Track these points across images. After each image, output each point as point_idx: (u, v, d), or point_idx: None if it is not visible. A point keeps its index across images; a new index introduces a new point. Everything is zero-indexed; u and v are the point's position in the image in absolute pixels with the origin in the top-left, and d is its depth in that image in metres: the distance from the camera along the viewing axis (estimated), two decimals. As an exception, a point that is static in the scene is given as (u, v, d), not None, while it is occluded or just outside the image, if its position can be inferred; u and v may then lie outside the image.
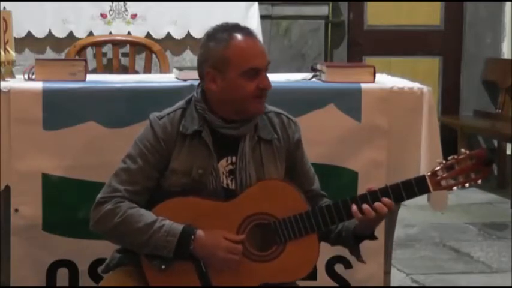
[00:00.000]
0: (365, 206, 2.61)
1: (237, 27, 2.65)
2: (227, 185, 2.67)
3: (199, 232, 2.57)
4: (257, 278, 2.63)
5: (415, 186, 2.62)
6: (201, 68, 2.67)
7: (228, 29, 2.64)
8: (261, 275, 2.63)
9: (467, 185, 2.62)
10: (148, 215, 2.59)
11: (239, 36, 2.62)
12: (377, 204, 2.60)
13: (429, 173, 2.63)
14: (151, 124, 2.68)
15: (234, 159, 2.68)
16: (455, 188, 2.63)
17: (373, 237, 2.75)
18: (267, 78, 2.64)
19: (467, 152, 2.62)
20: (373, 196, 2.62)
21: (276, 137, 2.74)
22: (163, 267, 2.58)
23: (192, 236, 2.55)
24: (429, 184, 2.62)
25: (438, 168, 2.62)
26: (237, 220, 2.63)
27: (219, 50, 2.62)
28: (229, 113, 2.65)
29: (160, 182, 2.66)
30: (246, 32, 2.64)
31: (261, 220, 2.64)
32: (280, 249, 2.64)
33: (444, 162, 2.62)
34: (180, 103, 2.74)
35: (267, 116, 2.75)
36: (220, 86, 2.63)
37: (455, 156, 2.62)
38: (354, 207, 2.62)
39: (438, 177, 2.61)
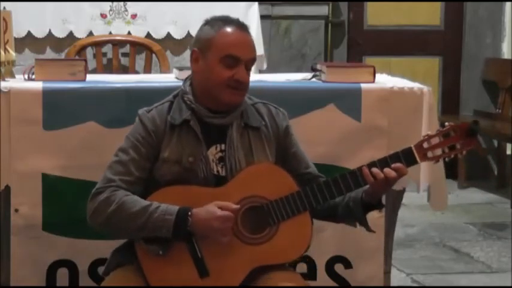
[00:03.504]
0: (375, 170, 2.64)
1: (233, 20, 2.75)
2: (217, 172, 2.72)
3: (195, 209, 2.60)
4: (253, 261, 2.65)
5: (402, 158, 2.66)
6: (192, 48, 2.77)
7: (224, 19, 2.75)
8: (256, 258, 2.66)
9: (452, 155, 2.67)
10: (143, 200, 2.64)
11: (231, 26, 2.72)
12: (385, 170, 2.64)
13: (415, 145, 2.67)
14: (140, 118, 2.75)
15: (223, 146, 2.73)
16: (441, 159, 2.69)
17: (380, 205, 2.77)
18: (245, 72, 2.70)
19: (451, 124, 2.67)
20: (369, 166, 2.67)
21: (264, 123, 2.79)
22: (161, 252, 2.61)
23: (189, 213, 2.59)
24: (416, 155, 2.66)
25: (423, 140, 2.67)
26: None
27: (208, 33, 2.73)
28: (208, 101, 2.71)
29: (153, 173, 2.71)
30: (240, 25, 2.74)
31: (253, 203, 2.67)
32: (273, 230, 2.67)
33: (429, 134, 2.68)
34: (168, 97, 2.82)
35: (254, 107, 2.82)
36: (200, 67, 2.72)
37: (439, 129, 2.68)
38: (366, 170, 2.65)
39: (424, 149, 2.66)
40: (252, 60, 2.74)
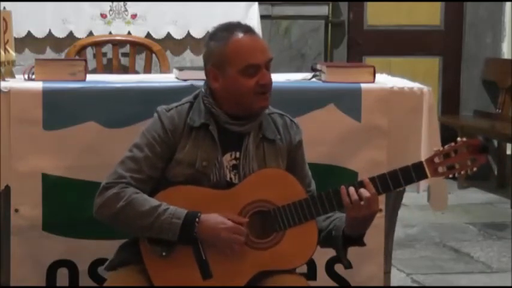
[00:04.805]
0: (351, 189, 2.63)
1: (237, 26, 2.69)
2: (230, 179, 2.71)
3: (204, 216, 2.60)
4: (257, 265, 2.65)
5: (413, 172, 2.65)
6: (205, 67, 2.73)
7: (228, 28, 2.69)
8: (260, 263, 2.65)
9: (463, 172, 2.66)
10: (152, 200, 2.63)
11: (238, 35, 2.66)
12: (361, 190, 2.63)
13: (426, 160, 2.66)
14: (159, 116, 2.73)
15: (237, 154, 2.72)
16: (451, 175, 2.67)
17: (361, 242, 2.75)
18: (267, 74, 2.67)
19: (463, 140, 2.66)
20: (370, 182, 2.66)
21: (279, 137, 2.78)
22: (164, 254, 2.61)
23: (197, 219, 2.58)
24: (427, 170, 2.65)
25: (435, 155, 2.66)
26: (237, 208, 2.66)
27: (218, 49, 2.66)
28: (235, 109, 2.69)
29: (164, 173, 2.70)
30: (246, 29, 2.68)
31: (261, 207, 2.67)
32: (279, 236, 2.67)
33: (441, 149, 2.67)
34: (188, 98, 2.80)
35: (271, 117, 2.80)
36: (222, 84, 2.68)
37: (452, 144, 2.66)
38: (344, 189, 2.64)
39: (435, 164, 2.65)
40: (270, 60, 2.69)
